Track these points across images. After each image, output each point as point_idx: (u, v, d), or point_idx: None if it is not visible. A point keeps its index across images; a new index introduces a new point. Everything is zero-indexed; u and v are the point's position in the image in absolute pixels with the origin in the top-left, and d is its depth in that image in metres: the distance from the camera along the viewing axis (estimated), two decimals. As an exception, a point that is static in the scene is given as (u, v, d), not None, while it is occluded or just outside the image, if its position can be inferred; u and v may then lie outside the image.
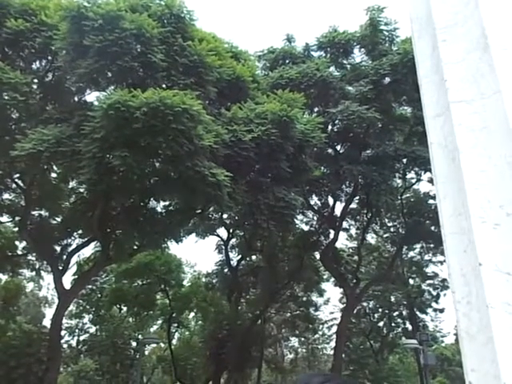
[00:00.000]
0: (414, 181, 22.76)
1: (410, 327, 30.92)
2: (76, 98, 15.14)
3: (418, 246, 26.69)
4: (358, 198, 21.83)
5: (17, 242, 21.32)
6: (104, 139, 11.52)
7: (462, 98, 1.58)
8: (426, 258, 28.45)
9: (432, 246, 25.44)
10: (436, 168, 1.76)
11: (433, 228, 21.84)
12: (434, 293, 30.19)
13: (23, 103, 12.70)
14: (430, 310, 32.08)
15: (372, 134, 18.76)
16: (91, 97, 28.73)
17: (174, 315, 28.28)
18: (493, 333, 1.53)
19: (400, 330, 32.44)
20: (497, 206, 1.57)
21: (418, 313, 31.27)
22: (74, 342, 32.48)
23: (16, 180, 16.36)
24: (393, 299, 31.71)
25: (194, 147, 11.75)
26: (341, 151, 19.93)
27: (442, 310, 32.83)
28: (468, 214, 1.66)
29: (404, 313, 32.43)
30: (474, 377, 1.51)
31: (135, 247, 17.08)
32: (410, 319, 30.94)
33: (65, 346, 28.28)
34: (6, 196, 18.06)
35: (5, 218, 19.59)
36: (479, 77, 1.56)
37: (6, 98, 12.45)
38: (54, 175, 17.65)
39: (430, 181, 22.32)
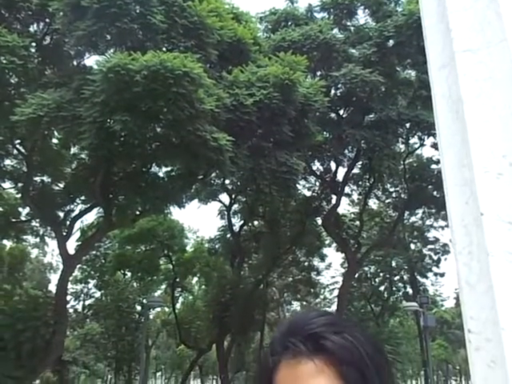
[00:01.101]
0: (417, 146, 22.67)
1: (410, 291, 31.34)
2: (75, 62, 14.95)
3: (420, 211, 26.77)
4: (360, 163, 21.77)
5: (20, 209, 21.39)
6: (104, 103, 11.42)
7: (467, 48, 1.53)
8: (428, 223, 28.61)
9: (434, 211, 25.51)
10: (439, 120, 1.73)
11: (435, 193, 21.83)
12: (435, 257, 30.48)
13: (21, 67, 12.53)
14: (430, 275, 32.48)
15: (375, 98, 18.54)
16: (90, 61, 28.35)
17: (177, 280, 28.65)
18: (492, 281, 1.52)
19: (401, 293, 32.91)
20: (500, 156, 1.54)
21: (418, 277, 31.65)
22: (79, 307, 33.12)
23: (17, 146, 16.30)
24: (394, 264, 32.03)
25: (195, 111, 11.64)
26: (343, 116, 19.75)
27: (442, 275, 33.23)
28: (471, 164, 1.64)
29: (405, 277, 32.81)
30: (473, 324, 1.51)
31: (138, 212, 17.15)
32: (411, 283, 31.33)
33: (71, 310, 28.77)
34: (7, 162, 18.04)
35: (7, 185, 19.64)
36: (486, 25, 1.50)
37: (4, 61, 12.28)
38: (55, 141, 17.60)
39: (434, 146, 22.20)
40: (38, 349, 14.65)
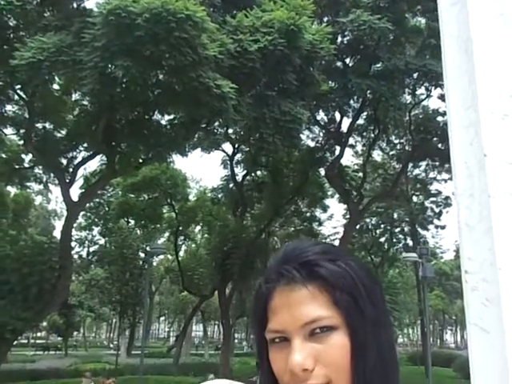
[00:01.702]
0: (423, 97, 22.30)
1: (410, 243, 31.69)
2: (75, 5, 14.53)
3: (424, 163, 26.66)
4: (365, 113, 21.49)
5: (23, 155, 21.41)
6: (105, 48, 11.18)
7: (479, -17, 1.47)
8: (431, 175, 28.55)
9: (437, 164, 25.41)
10: (447, 61, 1.67)
11: (440, 146, 21.68)
12: (437, 210, 30.62)
13: (20, 9, 12.20)
14: (431, 227, 32.76)
15: (383, 46, 18.07)
16: (90, 3, 27.54)
17: (180, 228, 28.99)
18: (492, 223, 1.52)
19: (401, 245, 33.29)
20: (507, 96, 1.51)
21: (419, 229, 31.92)
22: (84, 253, 33.75)
23: (18, 91, 16.11)
24: (395, 216, 32.23)
25: (198, 57, 11.40)
26: (350, 64, 19.32)
27: (443, 227, 33.54)
28: (477, 106, 1.60)
29: (406, 229, 33.10)
30: (471, 265, 1.52)
31: (140, 160, 17.14)
32: (412, 235, 31.64)
33: (75, 256, 29.32)
34: (8, 108, 17.89)
35: (9, 131, 19.56)
36: (499, -42, 1.43)
37: (2, 2, 11.95)
38: (56, 87, 17.38)
39: (440, 97, 21.85)
40: (45, 292, 15.01)
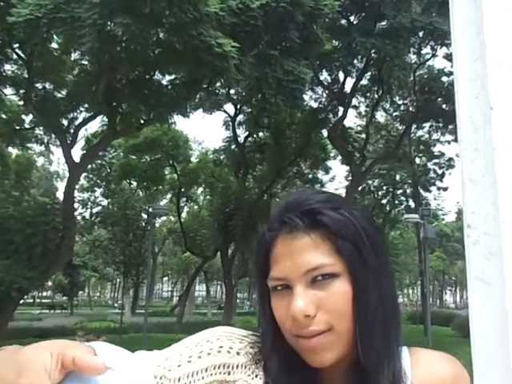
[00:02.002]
0: (428, 56, 21.89)
1: (412, 205, 31.76)
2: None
3: (427, 124, 26.45)
4: (369, 73, 21.17)
5: (23, 116, 21.28)
6: (104, 4, 10.91)
7: None
8: (435, 137, 28.36)
9: (441, 125, 25.20)
10: (455, 11, 1.63)
11: (444, 106, 21.44)
12: (440, 172, 30.58)
13: (16, -36, 11.87)
14: (433, 189, 32.77)
15: (388, 3, 17.60)
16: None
17: (182, 190, 29.06)
18: (497, 176, 1.51)
19: (403, 207, 33.40)
20: (516, 47, 1.48)
21: (421, 191, 31.94)
22: (87, 214, 33.98)
23: (16, 50, 15.86)
24: (398, 178, 32.21)
25: (199, 14, 11.14)
26: (354, 22, 18.89)
27: (445, 189, 33.62)
28: (484, 57, 1.56)
29: (408, 191, 33.14)
30: (474, 219, 1.51)
31: (142, 121, 17.02)
32: (414, 197, 31.68)
33: (79, 217, 29.48)
34: (7, 67, 17.64)
35: (9, 91, 19.35)
36: None
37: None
38: (55, 46, 17.09)
39: (446, 57, 21.47)
40: (49, 252, 15.18)
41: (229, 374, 0.82)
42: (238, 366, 0.83)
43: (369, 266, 0.77)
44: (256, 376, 0.82)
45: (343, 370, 0.79)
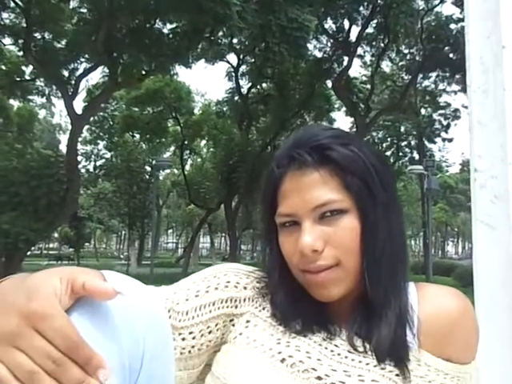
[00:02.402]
0: (437, 2, 21.22)
1: (417, 157, 31.61)
2: None
3: (434, 74, 25.95)
4: (375, 21, 20.61)
5: (23, 67, 20.95)
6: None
7: None
8: (441, 87, 27.86)
9: (448, 74, 24.72)
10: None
11: (451, 55, 20.97)
12: (445, 123, 30.23)
13: None
14: (438, 140, 32.52)
15: None
16: None
17: (185, 142, 28.91)
18: (506, 118, 1.48)
19: (407, 159, 33.26)
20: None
21: (426, 142, 31.71)
22: (91, 167, 34.02)
23: (13, -2, 15.46)
24: (402, 129, 31.92)
25: (200, -41, 10.76)
26: (361, -33, 18.28)
27: (450, 140, 33.31)
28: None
29: (412, 143, 32.92)
30: (481, 162, 1.50)
31: (143, 72, 16.75)
32: (418, 149, 31.49)
33: (82, 170, 29.56)
34: (5, 16, 17.25)
35: (7, 41, 18.99)
36: None
37: None
38: (52, -7, 16.64)
39: (454, 2, 20.80)
40: (54, 204, 15.30)
41: (236, 307, 0.84)
42: (245, 300, 0.85)
43: (377, 202, 0.77)
44: (263, 308, 0.84)
45: (350, 305, 0.80)
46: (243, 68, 24.50)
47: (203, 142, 33.86)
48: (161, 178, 38.88)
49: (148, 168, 30.97)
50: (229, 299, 0.84)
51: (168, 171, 40.02)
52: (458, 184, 48.53)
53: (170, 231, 71.09)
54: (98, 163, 33.75)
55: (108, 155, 33.22)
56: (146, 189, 29.24)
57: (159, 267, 31.77)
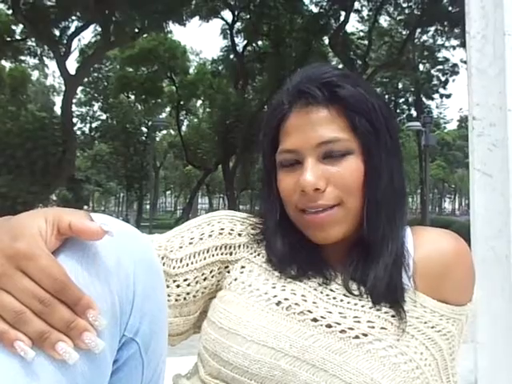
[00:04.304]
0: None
1: (414, 114, 31.40)
2: None
3: (432, 28, 25.43)
4: (373, -26, 20.06)
5: (14, 27, 20.44)
6: None
7: None
8: (439, 42, 27.37)
9: (447, 28, 24.23)
10: None
11: (450, 8, 20.53)
12: (443, 78, 29.86)
13: None
14: (436, 96, 32.22)
15: None
16: None
17: (181, 103, 28.59)
18: (506, 63, 1.45)
19: (404, 116, 33.05)
20: None
21: (424, 99, 31.43)
22: (86, 129, 33.74)
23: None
24: (400, 86, 31.57)
25: None
26: None
27: (448, 96, 32.92)
28: None
29: (410, 99, 32.63)
30: (479, 110, 1.48)
31: (137, 30, 16.39)
32: (416, 105, 31.25)
33: (78, 132, 29.35)
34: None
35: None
36: None
37: None
38: None
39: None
40: (50, 167, 15.25)
41: (231, 254, 0.84)
42: (239, 246, 0.85)
43: (382, 145, 0.76)
44: (258, 255, 0.84)
45: (346, 249, 0.79)
46: (238, 25, 23.99)
47: (199, 102, 33.52)
48: (157, 139, 38.64)
49: (144, 129, 30.74)
50: (223, 246, 0.83)
51: (164, 132, 39.76)
52: (456, 140, 48.40)
53: (168, 192, 71.17)
54: (94, 125, 33.49)
55: (104, 117, 32.91)
56: (143, 150, 29.14)
57: (158, 229, 31.99)
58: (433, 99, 32.18)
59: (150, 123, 27.30)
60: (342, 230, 0.76)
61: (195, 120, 34.83)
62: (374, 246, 0.76)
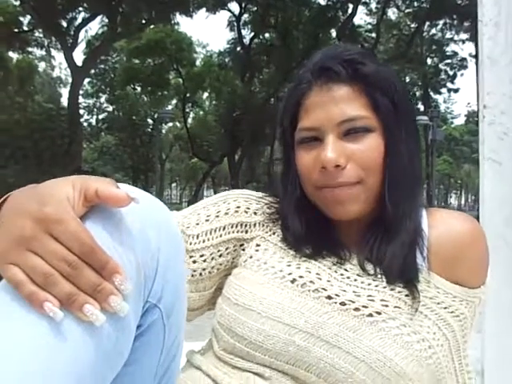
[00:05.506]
0: None
1: (422, 108, 31.24)
2: None
3: (441, 22, 25.25)
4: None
5: (21, 18, 20.45)
6: None
7: None
8: (448, 35, 27.18)
9: (456, 22, 24.06)
10: None
11: (459, 1, 20.36)
12: (451, 72, 29.67)
13: None
14: (444, 91, 32.04)
15: None
16: None
17: (187, 95, 28.53)
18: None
19: (412, 110, 32.90)
20: None
21: (431, 93, 31.26)
22: (93, 121, 33.79)
23: None
24: (408, 79, 31.38)
25: None
26: None
27: (456, 90, 32.73)
28: None
29: (417, 94, 32.45)
30: (490, 99, 1.48)
31: (144, 21, 16.37)
32: (423, 99, 31.08)
33: (85, 124, 29.39)
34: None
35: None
36: None
37: None
38: None
39: None
40: (57, 157, 15.32)
41: (246, 232, 0.85)
42: (255, 225, 0.85)
43: (403, 125, 0.76)
44: (274, 233, 0.84)
45: (361, 228, 0.80)
46: (245, 17, 23.92)
47: (205, 95, 33.45)
48: (163, 131, 38.63)
49: (150, 121, 30.73)
50: (239, 224, 0.85)
51: (170, 124, 39.73)
52: (463, 136, 48.15)
53: (173, 185, 71.29)
54: (101, 116, 33.53)
55: (110, 108, 32.93)
56: (149, 142, 29.15)
57: (164, 220, 32.06)
58: (440, 93, 32.04)
59: (156, 115, 27.27)
60: (359, 207, 0.76)
61: (201, 112, 34.79)
62: (393, 225, 0.76)
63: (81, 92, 22.03)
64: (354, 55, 0.76)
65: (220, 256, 0.83)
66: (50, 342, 0.48)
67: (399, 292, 0.74)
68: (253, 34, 24.47)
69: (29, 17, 18.86)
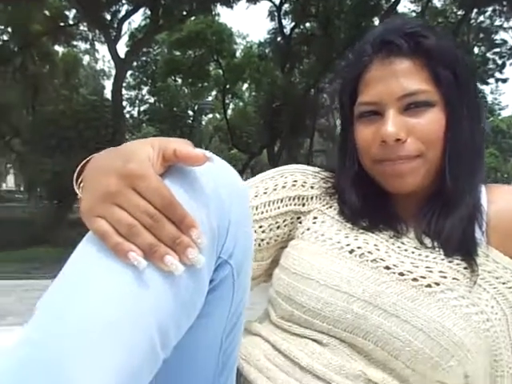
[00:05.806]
0: None
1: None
2: None
3: (490, 8, 24.40)
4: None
5: (66, 12, 21.01)
6: None
7: None
8: (497, 23, 26.23)
9: (506, 8, 23.19)
10: None
11: (510, -13, 19.58)
12: (500, 62, 28.65)
13: None
14: (491, 81, 30.98)
15: None
16: None
17: (227, 86, 28.68)
18: None
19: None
20: None
21: (478, 84, 30.30)
22: (135, 113, 34.48)
23: None
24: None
25: None
26: None
27: (504, 80, 31.56)
28: None
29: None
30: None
31: (185, 12, 16.51)
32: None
33: (127, 115, 29.98)
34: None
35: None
36: None
37: None
38: None
39: None
40: (102, 149, 15.58)
41: (303, 205, 0.87)
42: (312, 198, 0.87)
43: (465, 99, 0.75)
44: (330, 207, 0.86)
45: (419, 202, 0.80)
46: (286, 6, 23.76)
47: (245, 86, 33.54)
48: (203, 123, 39.01)
49: (190, 112, 31.07)
50: (296, 197, 0.86)
51: (210, 116, 40.11)
52: (511, 128, 46.65)
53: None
54: (142, 108, 34.16)
55: (151, 100, 33.51)
56: (189, 133, 29.48)
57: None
58: (488, 84, 30.93)
59: (196, 107, 27.55)
60: (419, 180, 0.76)
61: (241, 104, 34.93)
62: (452, 199, 0.75)
63: (123, 84, 22.43)
64: (415, 28, 0.75)
65: (278, 228, 0.85)
66: (133, 291, 0.51)
67: (458, 264, 0.73)
68: (293, 23, 24.30)
69: (74, 11, 19.31)
